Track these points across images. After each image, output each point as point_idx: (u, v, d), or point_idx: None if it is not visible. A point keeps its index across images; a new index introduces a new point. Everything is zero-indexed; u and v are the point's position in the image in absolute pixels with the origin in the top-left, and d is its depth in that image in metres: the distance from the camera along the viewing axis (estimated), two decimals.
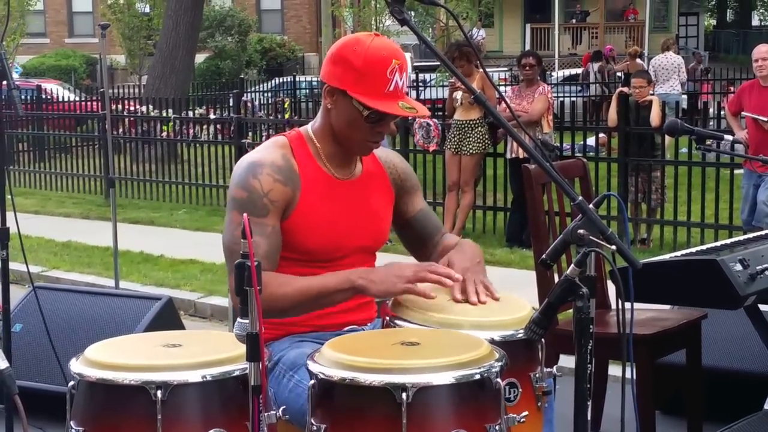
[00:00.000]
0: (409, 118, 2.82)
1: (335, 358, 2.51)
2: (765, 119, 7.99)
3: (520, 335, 2.72)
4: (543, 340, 2.75)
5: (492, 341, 2.65)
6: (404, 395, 2.37)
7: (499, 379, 2.49)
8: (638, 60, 22.12)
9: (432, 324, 2.77)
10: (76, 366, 2.61)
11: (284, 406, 2.57)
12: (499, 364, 2.51)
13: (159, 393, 2.46)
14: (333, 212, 2.97)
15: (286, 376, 2.86)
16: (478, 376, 2.45)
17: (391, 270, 2.84)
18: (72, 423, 2.60)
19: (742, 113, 8.38)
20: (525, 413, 2.63)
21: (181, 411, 2.50)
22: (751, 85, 8.48)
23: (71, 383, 2.62)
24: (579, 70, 26.28)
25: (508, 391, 2.66)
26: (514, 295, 3.03)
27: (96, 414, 2.56)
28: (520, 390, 2.71)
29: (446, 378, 2.42)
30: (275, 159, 2.94)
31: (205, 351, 2.64)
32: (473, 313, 2.83)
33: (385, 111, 2.86)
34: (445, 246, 3.20)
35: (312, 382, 2.51)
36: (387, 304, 2.96)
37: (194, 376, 2.51)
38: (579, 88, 23.03)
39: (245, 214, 2.33)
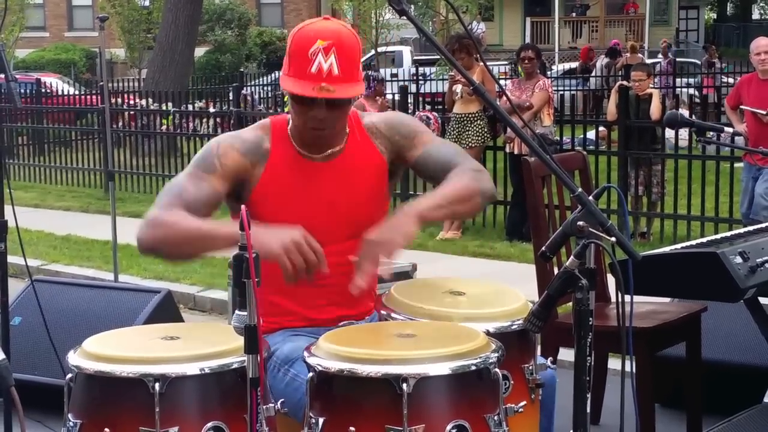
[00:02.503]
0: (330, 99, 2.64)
1: (333, 350, 2.51)
2: (764, 113, 7.98)
3: (513, 327, 2.72)
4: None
5: (487, 333, 2.64)
6: (404, 386, 2.36)
7: (497, 370, 2.49)
8: (638, 54, 22.13)
9: (423, 316, 2.77)
10: (73, 358, 2.60)
11: (282, 399, 2.56)
12: (496, 354, 2.51)
13: (157, 385, 2.45)
14: (303, 194, 2.92)
15: (281, 370, 2.84)
16: (474, 367, 2.45)
17: (281, 233, 2.63)
18: (70, 415, 2.60)
19: (741, 107, 8.37)
20: (523, 402, 2.64)
21: (179, 403, 2.49)
22: (750, 79, 8.47)
23: (69, 375, 2.62)
24: (576, 64, 26.26)
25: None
26: (509, 287, 3.02)
27: (94, 406, 2.56)
28: (512, 382, 2.71)
29: (445, 369, 2.43)
30: (246, 134, 2.99)
31: (203, 343, 2.64)
32: (465, 305, 2.84)
33: (294, 92, 2.80)
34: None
35: (310, 374, 2.50)
36: (381, 298, 2.95)
37: (192, 369, 2.51)
38: (577, 81, 23.02)
39: (243, 207, 2.31)
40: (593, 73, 23.54)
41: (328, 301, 2.94)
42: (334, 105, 2.84)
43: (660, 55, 24.56)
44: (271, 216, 2.83)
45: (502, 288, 3.05)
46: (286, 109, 12.67)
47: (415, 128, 3.11)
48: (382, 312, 2.89)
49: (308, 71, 2.77)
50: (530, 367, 2.76)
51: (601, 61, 23.95)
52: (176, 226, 2.76)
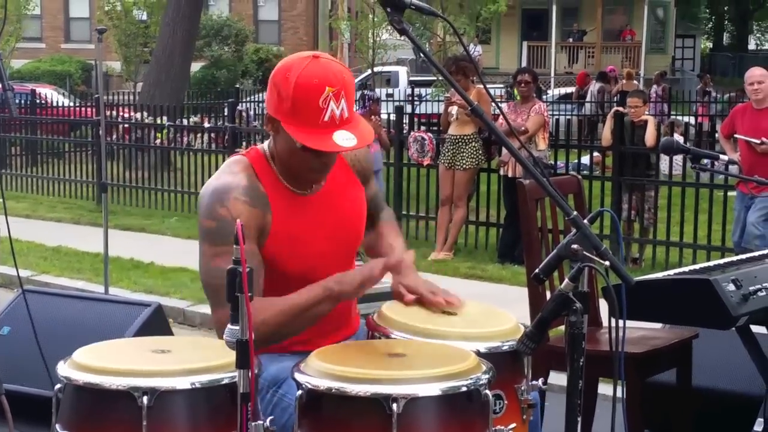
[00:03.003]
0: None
1: (322, 368, 2.49)
2: (757, 142, 8.00)
3: (505, 347, 2.72)
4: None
5: (478, 353, 2.64)
6: (395, 406, 2.35)
7: (487, 391, 2.48)
8: (633, 81, 22.21)
9: (418, 335, 2.76)
10: (63, 369, 2.59)
11: (272, 417, 2.54)
12: (486, 376, 2.50)
13: (145, 399, 2.43)
14: (306, 230, 2.86)
15: (269, 392, 2.81)
16: (465, 388, 2.44)
17: (362, 268, 2.80)
18: (58, 426, 2.58)
19: (735, 136, 8.40)
20: (513, 425, 2.62)
21: (167, 418, 2.47)
22: (744, 109, 8.51)
23: (58, 386, 2.60)
24: (573, 89, 26.36)
25: (494, 402, 2.65)
26: (501, 310, 3.02)
27: (82, 418, 2.54)
28: (506, 402, 2.70)
29: (435, 389, 2.41)
30: (240, 181, 2.80)
31: (194, 358, 2.62)
32: (459, 324, 2.83)
33: (314, 147, 2.69)
34: (384, 236, 3.21)
35: (299, 392, 2.48)
36: (372, 317, 2.93)
37: (182, 383, 2.49)
38: (572, 106, 23.09)
39: (238, 221, 2.30)
40: (588, 97, 23.63)
41: (317, 333, 2.88)
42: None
43: (654, 85, 24.65)
44: (287, 258, 2.82)
45: (493, 309, 3.05)
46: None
47: (372, 167, 3.20)
48: (375, 333, 2.86)
49: (321, 120, 2.67)
50: (522, 388, 2.76)
51: (593, 86, 24.04)
52: (276, 317, 2.69)
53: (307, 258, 2.83)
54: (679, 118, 19.21)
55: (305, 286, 2.81)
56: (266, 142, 2.94)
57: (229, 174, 2.84)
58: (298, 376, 2.51)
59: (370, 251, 3.23)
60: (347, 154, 3.02)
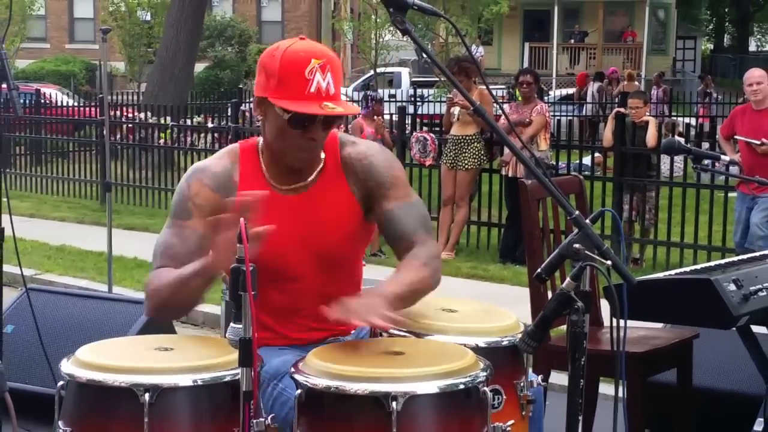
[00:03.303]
0: (346, 118, 2.68)
1: (321, 367, 2.50)
2: (758, 143, 8.01)
3: (505, 342, 2.73)
4: None
5: (477, 348, 2.65)
6: (394, 404, 2.36)
7: (486, 388, 2.49)
8: (635, 82, 22.22)
9: (417, 330, 2.77)
10: (66, 366, 2.60)
11: (273, 414, 2.56)
12: (484, 374, 2.51)
13: (147, 396, 2.44)
14: (274, 228, 2.71)
15: (270, 385, 2.82)
16: (463, 386, 2.45)
17: (232, 244, 2.48)
18: (60, 423, 2.59)
19: (735, 137, 8.41)
20: (511, 422, 2.64)
21: (168, 415, 2.48)
22: (744, 110, 8.52)
23: (60, 383, 2.61)
24: (574, 90, 26.37)
25: (493, 397, 2.66)
26: (501, 308, 3.03)
27: (84, 415, 2.55)
28: (504, 397, 2.71)
29: (434, 387, 2.42)
30: (215, 166, 2.90)
31: (196, 355, 2.63)
32: (459, 320, 2.84)
33: (303, 111, 2.72)
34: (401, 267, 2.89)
35: (299, 391, 2.49)
36: None
37: (184, 380, 2.50)
38: (574, 107, 23.10)
39: (242, 219, 2.32)
40: (587, 98, 23.64)
41: (310, 328, 2.95)
42: (328, 124, 2.83)
43: (654, 86, 24.66)
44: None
45: (493, 307, 3.07)
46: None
47: (391, 178, 2.95)
48: (376, 330, 2.88)
49: (307, 91, 2.72)
50: (521, 384, 2.77)
51: (592, 86, 24.05)
52: (162, 287, 2.76)
53: (266, 254, 2.56)
54: (678, 119, 19.19)
55: (273, 284, 2.82)
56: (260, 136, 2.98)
57: (213, 158, 2.95)
58: (296, 375, 2.52)
59: None
60: (348, 163, 2.95)
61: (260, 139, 2.95)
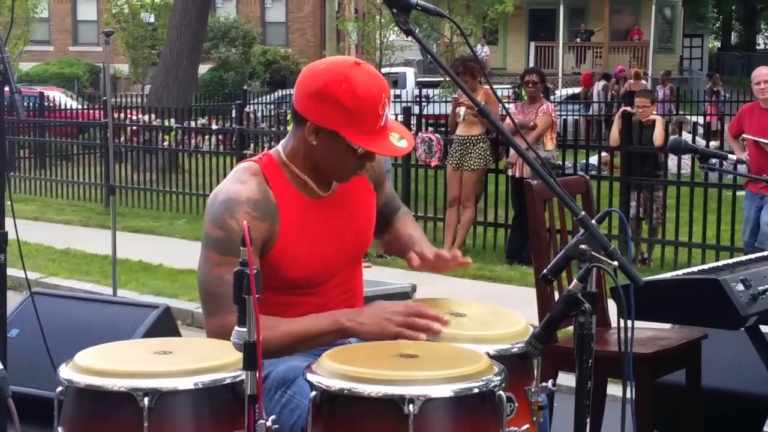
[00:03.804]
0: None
1: (335, 369, 2.48)
2: (766, 141, 7.98)
3: (515, 349, 2.71)
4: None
5: (487, 355, 2.63)
6: (411, 407, 2.34)
7: (501, 392, 2.48)
8: (641, 81, 22.20)
9: (426, 337, 2.75)
10: (65, 372, 2.58)
11: (274, 416, 2.54)
12: (499, 378, 2.49)
13: (146, 400, 2.42)
14: (313, 240, 2.87)
15: (278, 393, 2.80)
16: (477, 390, 2.44)
17: (380, 312, 2.78)
18: (60, 429, 2.58)
19: (743, 136, 8.37)
20: (526, 426, 2.63)
21: (168, 419, 2.46)
22: (752, 108, 8.49)
23: (59, 389, 2.60)
24: (580, 89, 26.35)
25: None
26: (510, 310, 3.01)
27: (83, 420, 2.53)
28: (517, 404, 2.69)
29: (448, 391, 2.41)
30: (251, 192, 2.81)
31: (195, 358, 2.61)
32: (468, 326, 2.82)
33: (382, 153, 2.80)
34: (401, 230, 3.24)
35: (313, 393, 2.48)
36: None
37: (184, 383, 2.48)
38: (579, 107, 23.10)
39: (245, 222, 2.30)
40: (593, 99, 23.64)
41: None
42: None
43: (659, 85, 24.64)
44: (292, 263, 2.84)
45: (501, 310, 3.04)
46: (288, 128, 12.66)
47: (384, 170, 3.22)
48: None
49: (379, 126, 2.76)
50: (532, 390, 2.75)
51: (598, 86, 24.06)
52: (265, 340, 2.59)
53: (313, 263, 2.84)
54: (687, 117, 19.17)
55: (308, 290, 2.87)
56: (279, 148, 2.94)
57: (240, 182, 2.85)
58: (310, 376, 2.50)
59: (390, 248, 3.29)
60: None
61: (278, 152, 2.94)
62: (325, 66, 2.82)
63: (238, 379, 2.44)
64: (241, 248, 2.26)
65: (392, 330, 2.74)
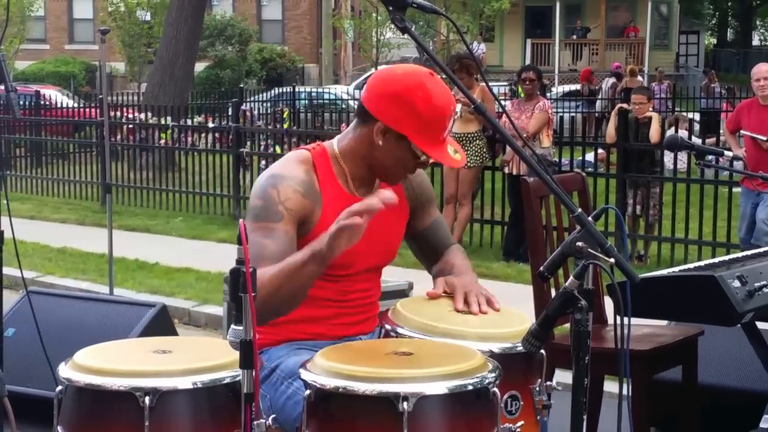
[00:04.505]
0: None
1: (329, 367, 2.49)
2: (764, 138, 7.98)
3: (520, 348, 2.71)
4: (543, 352, 2.74)
5: (492, 354, 2.63)
6: (405, 405, 2.35)
7: (496, 389, 2.48)
8: (637, 78, 22.22)
9: (435, 334, 2.75)
10: (64, 371, 2.59)
11: (274, 415, 2.54)
12: (493, 375, 2.50)
13: (147, 399, 2.43)
14: None
15: (284, 383, 2.82)
16: (472, 387, 2.44)
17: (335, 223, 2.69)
18: (59, 428, 2.58)
19: (741, 132, 8.37)
20: (521, 423, 2.62)
21: (169, 418, 2.47)
22: (750, 104, 8.48)
23: (59, 388, 2.60)
24: (578, 86, 26.35)
25: (510, 403, 2.66)
26: (514, 309, 3.01)
27: (83, 419, 2.54)
28: (521, 403, 2.70)
29: (442, 388, 2.41)
30: (298, 173, 2.90)
31: (195, 357, 2.62)
32: (475, 324, 2.82)
33: (444, 162, 2.88)
34: (448, 260, 3.20)
35: (308, 392, 2.48)
36: (387, 313, 2.94)
37: (184, 383, 2.48)
38: (577, 103, 23.10)
39: (241, 221, 2.31)
40: (600, 96, 23.68)
41: (339, 321, 2.99)
42: None
43: (656, 83, 24.65)
44: None
45: (505, 307, 3.04)
46: (285, 126, 12.65)
47: (432, 195, 3.26)
48: (387, 327, 2.86)
49: (444, 135, 2.86)
50: (537, 388, 2.75)
51: (606, 83, 24.10)
52: (272, 280, 2.71)
53: (350, 254, 2.83)
54: (684, 114, 19.17)
55: (339, 280, 2.94)
56: (333, 142, 3.01)
57: (289, 165, 2.94)
58: (305, 375, 2.51)
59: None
60: (418, 178, 3.16)
61: (332, 146, 3.00)
62: (402, 71, 2.92)
63: (237, 379, 2.45)
64: (237, 247, 2.26)
65: (334, 228, 2.62)
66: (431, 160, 2.89)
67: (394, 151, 2.87)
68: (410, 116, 2.81)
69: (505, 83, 23.91)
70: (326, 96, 23.45)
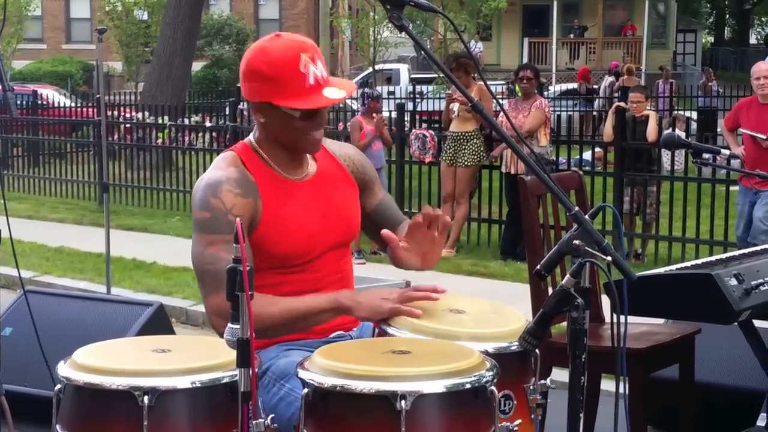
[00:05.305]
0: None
1: (327, 366, 2.49)
2: (763, 137, 7.97)
3: (514, 347, 2.70)
4: (538, 351, 2.73)
5: (486, 353, 2.63)
6: (403, 403, 2.35)
7: (493, 388, 2.48)
8: (634, 76, 22.24)
9: (427, 334, 2.75)
10: (63, 369, 2.58)
11: (272, 415, 2.54)
12: (491, 373, 2.49)
13: (146, 398, 2.43)
14: (297, 214, 2.94)
15: (276, 385, 2.82)
16: (469, 385, 2.44)
17: (377, 293, 2.85)
18: (58, 427, 2.57)
19: (739, 130, 8.37)
20: (518, 421, 2.62)
21: (168, 417, 2.47)
22: (749, 102, 8.47)
23: (58, 387, 2.60)
24: (575, 85, 26.36)
25: (504, 403, 2.65)
26: (509, 307, 3.01)
27: (82, 418, 2.53)
28: (515, 402, 2.69)
29: (440, 386, 2.41)
30: (230, 174, 2.90)
31: (194, 357, 2.62)
32: (468, 324, 2.82)
33: (314, 107, 2.84)
34: (400, 233, 3.15)
35: (305, 390, 2.48)
36: None
37: (183, 382, 2.48)
38: (575, 102, 23.11)
39: (238, 219, 2.31)
40: (599, 94, 23.71)
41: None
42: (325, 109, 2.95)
43: (661, 80, 24.68)
44: (278, 237, 2.90)
45: (500, 306, 3.04)
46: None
47: (374, 175, 3.26)
48: (380, 327, 2.87)
49: (307, 84, 2.81)
50: (531, 387, 2.75)
51: (605, 81, 24.14)
52: (266, 315, 2.75)
53: (298, 237, 2.91)
54: (680, 113, 19.19)
55: (298, 267, 2.93)
56: (251, 135, 3.04)
57: (219, 169, 2.94)
58: (302, 373, 2.50)
59: (399, 260, 3.13)
60: (338, 154, 3.15)
61: (250, 139, 3.03)
62: (251, 47, 2.97)
63: (236, 378, 2.44)
64: (234, 245, 2.26)
65: (387, 306, 2.79)
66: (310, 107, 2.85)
67: (277, 120, 2.89)
68: (263, 83, 2.84)
69: (503, 82, 23.92)
70: None
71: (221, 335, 2.79)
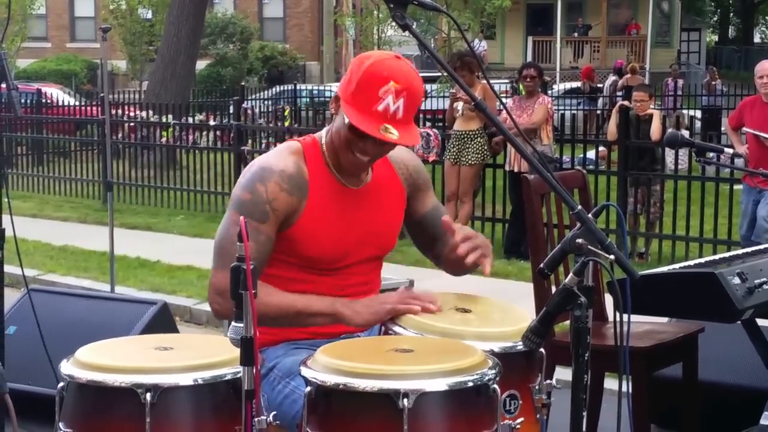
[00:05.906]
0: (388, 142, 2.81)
1: (329, 364, 2.49)
2: (766, 136, 7.96)
3: (519, 347, 2.70)
4: (543, 351, 2.74)
5: (492, 353, 2.63)
6: (406, 401, 2.35)
7: (495, 386, 2.48)
8: (638, 75, 22.23)
9: (433, 334, 2.75)
10: (66, 367, 2.59)
11: (275, 412, 2.55)
12: (493, 371, 2.50)
13: (148, 395, 2.44)
14: (341, 221, 2.94)
15: (281, 383, 2.83)
16: (472, 383, 2.44)
17: (375, 299, 2.87)
18: (61, 424, 2.59)
19: (743, 129, 8.36)
20: (521, 419, 2.62)
21: (170, 414, 2.48)
22: (753, 101, 8.46)
23: (61, 384, 2.61)
24: (579, 84, 26.35)
25: (509, 402, 2.65)
26: (516, 306, 3.00)
27: (85, 415, 2.54)
28: (520, 402, 2.69)
29: (443, 384, 2.42)
30: (286, 166, 2.90)
31: (196, 354, 2.63)
32: (474, 323, 2.82)
33: (360, 127, 2.78)
34: (453, 243, 3.08)
35: (308, 389, 2.49)
36: None
37: (185, 379, 2.49)
38: (578, 101, 23.10)
39: (242, 218, 2.32)
40: (603, 93, 23.72)
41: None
42: (385, 144, 2.86)
43: (671, 78, 24.69)
44: (308, 241, 2.91)
45: (508, 305, 3.03)
46: (286, 123, 12.66)
47: (428, 181, 3.22)
48: (385, 325, 2.87)
49: (374, 108, 2.78)
50: (536, 387, 2.75)
51: (609, 80, 24.14)
52: (275, 307, 2.81)
53: (328, 245, 2.91)
54: (684, 111, 19.17)
55: (324, 270, 2.94)
56: (323, 130, 3.02)
57: (278, 156, 2.95)
58: (305, 371, 2.51)
59: (447, 264, 3.18)
60: (395, 159, 3.09)
61: (321, 134, 3.02)
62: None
63: (238, 376, 2.45)
64: (238, 244, 2.26)
65: (386, 308, 2.80)
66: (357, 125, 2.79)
67: (339, 118, 2.88)
68: (349, 81, 2.84)
69: (507, 81, 23.89)
70: (327, 94, 23.42)
71: (214, 311, 2.90)
